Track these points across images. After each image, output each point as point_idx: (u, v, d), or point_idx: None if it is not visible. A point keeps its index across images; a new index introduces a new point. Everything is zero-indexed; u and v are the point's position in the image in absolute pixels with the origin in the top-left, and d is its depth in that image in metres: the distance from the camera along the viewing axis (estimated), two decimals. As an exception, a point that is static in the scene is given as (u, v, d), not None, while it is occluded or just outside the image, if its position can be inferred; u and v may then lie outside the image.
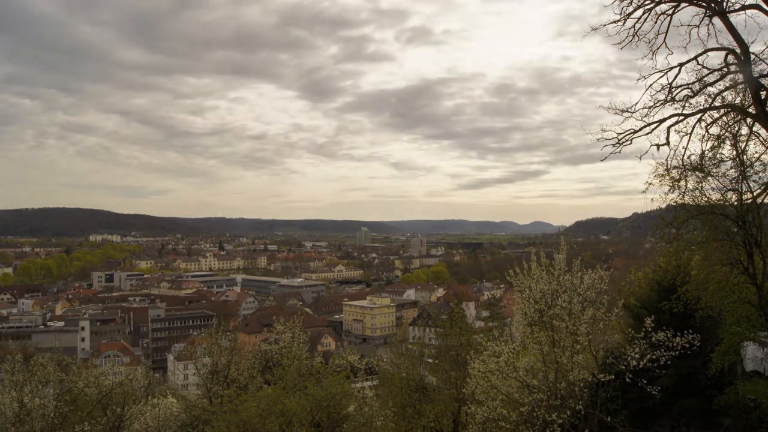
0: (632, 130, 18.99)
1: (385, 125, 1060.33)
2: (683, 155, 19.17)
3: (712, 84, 18.34)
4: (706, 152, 19.20)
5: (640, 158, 19.28)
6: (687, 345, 18.10)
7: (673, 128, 18.99)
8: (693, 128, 18.89)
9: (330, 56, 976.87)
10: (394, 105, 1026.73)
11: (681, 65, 18.44)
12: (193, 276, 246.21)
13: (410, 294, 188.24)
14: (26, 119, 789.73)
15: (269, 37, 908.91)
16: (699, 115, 18.74)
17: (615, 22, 18.38)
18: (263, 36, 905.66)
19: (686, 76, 18.50)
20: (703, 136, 19.15)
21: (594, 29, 18.60)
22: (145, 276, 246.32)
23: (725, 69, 18.09)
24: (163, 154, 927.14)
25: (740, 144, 19.18)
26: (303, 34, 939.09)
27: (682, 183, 19.17)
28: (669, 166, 19.18)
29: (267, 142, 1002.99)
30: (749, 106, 18.16)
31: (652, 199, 18.98)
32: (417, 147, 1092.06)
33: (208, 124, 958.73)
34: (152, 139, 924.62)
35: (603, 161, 20.84)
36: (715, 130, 19.27)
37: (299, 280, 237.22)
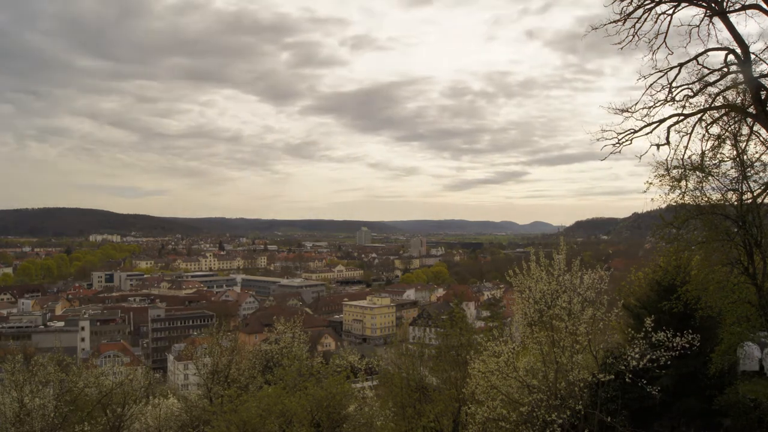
0: (632, 130, 19.02)
1: (352, 127, 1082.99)
2: (683, 155, 19.21)
3: (712, 84, 18.37)
4: (706, 152, 19.24)
5: (640, 158, 19.31)
6: (687, 345, 18.07)
7: (673, 128, 19.04)
8: (693, 128, 18.94)
9: (283, 62, 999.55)
10: (353, 108, 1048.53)
11: (681, 65, 18.46)
12: (193, 276, 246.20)
13: (410, 294, 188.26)
14: (2, 122, 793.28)
15: (216, 43, 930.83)
16: (699, 115, 18.77)
17: (615, 22, 18.41)
18: (209, 42, 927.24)
19: (686, 76, 18.54)
20: (704, 136, 19.20)
21: (594, 29, 18.63)
22: (145, 276, 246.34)
23: (725, 69, 18.11)
24: (143, 156, 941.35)
25: (740, 144, 19.20)
26: (251, 41, 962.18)
27: (683, 183, 19.19)
28: (669, 166, 19.21)
29: (243, 143, 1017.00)
30: (749, 106, 18.17)
31: (652, 199, 19.01)
32: (390, 149, 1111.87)
33: (182, 126, 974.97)
34: (129, 141, 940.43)
35: (603, 161, 20.84)
36: (715, 130, 19.32)
37: (299, 280, 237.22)
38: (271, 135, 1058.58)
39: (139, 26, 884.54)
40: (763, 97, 17.61)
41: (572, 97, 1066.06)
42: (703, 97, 18.59)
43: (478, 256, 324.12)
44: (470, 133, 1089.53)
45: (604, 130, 19.06)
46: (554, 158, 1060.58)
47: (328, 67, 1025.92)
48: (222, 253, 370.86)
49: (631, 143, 19.16)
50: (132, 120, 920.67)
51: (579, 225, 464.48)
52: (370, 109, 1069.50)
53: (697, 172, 19.24)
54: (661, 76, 18.58)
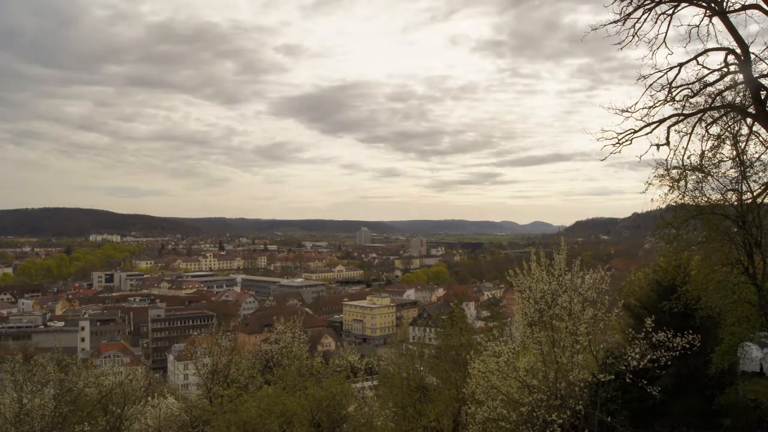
0: (632, 130, 19.00)
1: (313, 130, 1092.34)
2: (683, 155, 19.20)
3: (712, 84, 18.36)
4: (706, 152, 19.23)
5: (640, 158, 19.30)
6: (687, 345, 18.08)
7: (673, 128, 19.02)
8: (693, 128, 18.92)
9: (225, 68, 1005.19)
10: (306, 112, 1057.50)
11: (681, 65, 18.45)
12: (193, 276, 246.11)
13: (410, 294, 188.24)
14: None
15: (152, 51, 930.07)
16: (699, 115, 18.76)
17: (615, 22, 18.38)
18: (146, 51, 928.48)
19: (686, 76, 18.52)
20: (703, 136, 19.19)
21: (594, 29, 18.61)
22: (145, 276, 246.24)
23: (725, 69, 18.09)
24: (120, 157, 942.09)
25: (740, 144, 19.20)
26: (185, 49, 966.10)
27: (682, 183, 19.18)
28: (669, 166, 19.20)
29: (213, 146, 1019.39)
30: (749, 106, 18.16)
31: (652, 199, 19.00)
32: (357, 150, 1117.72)
33: (151, 129, 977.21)
34: (103, 143, 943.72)
35: (603, 160, 20.84)
36: (715, 130, 19.31)
37: (299, 280, 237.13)
38: (237, 137, 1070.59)
39: (74, 36, 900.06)
40: (762, 97, 17.60)
41: (518, 99, 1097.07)
42: (703, 97, 18.59)
43: (478, 256, 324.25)
44: (429, 136, 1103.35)
45: (604, 130, 19.06)
46: (525, 159, 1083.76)
47: (271, 73, 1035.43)
48: (222, 253, 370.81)
49: (631, 143, 19.15)
50: (100, 124, 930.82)
51: (579, 225, 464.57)
52: (324, 113, 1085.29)
53: (697, 172, 19.24)
54: (661, 76, 18.57)
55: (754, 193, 19.12)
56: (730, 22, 17.39)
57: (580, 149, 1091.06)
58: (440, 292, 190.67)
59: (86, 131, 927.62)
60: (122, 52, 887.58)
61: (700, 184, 19.43)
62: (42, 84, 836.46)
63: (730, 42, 17.67)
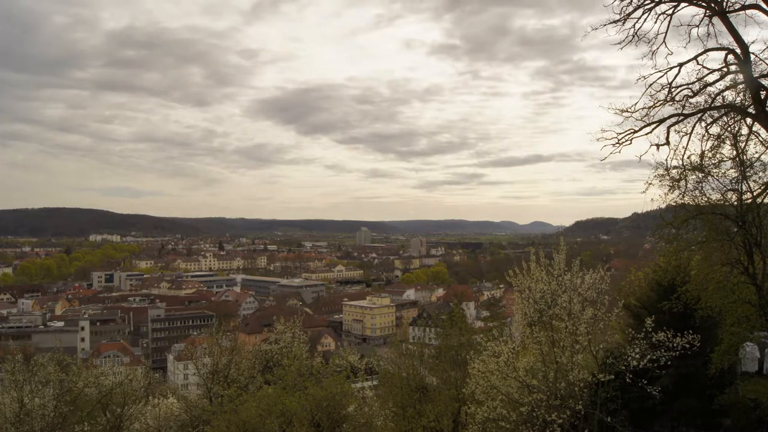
0: (632, 130, 19.02)
1: (289, 131, 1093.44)
2: (683, 155, 19.21)
3: (712, 84, 18.38)
4: (706, 152, 19.23)
5: (640, 158, 19.32)
6: (687, 345, 18.08)
7: (673, 128, 19.03)
8: (693, 128, 18.94)
9: (191, 72, 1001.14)
10: (277, 113, 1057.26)
11: (681, 65, 18.47)
12: (193, 276, 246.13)
13: (410, 294, 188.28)
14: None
15: (115, 56, 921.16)
16: (699, 115, 18.77)
17: (615, 22, 18.41)
18: (109, 55, 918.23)
19: (686, 76, 18.54)
20: (703, 136, 19.20)
21: (594, 29, 18.63)
22: (145, 276, 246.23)
23: (725, 69, 18.11)
24: (105, 158, 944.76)
25: (740, 144, 19.19)
26: (147, 54, 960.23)
27: (682, 183, 19.18)
28: (669, 166, 19.21)
29: (195, 147, 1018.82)
30: (749, 106, 18.17)
31: (652, 199, 19.01)
32: (337, 151, 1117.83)
33: (132, 131, 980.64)
34: (85, 145, 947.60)
35: (603, 161, 20.84)
36: (715, 129, 19.31)
37: (299, 280, 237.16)
38: (217, 139, 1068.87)
39: (38, 42, 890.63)
40: (762, 97, 17.61)
41: (485, 101, 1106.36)
42: (702, 97, 18.61)
43: (477, 256, 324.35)
44: (403, 137, 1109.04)
45: (604, 130, 19.08)
46: (506, 160, 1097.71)
47: (236, 76, 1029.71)
48: (222, 253, 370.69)
49: (631, 143, 19.18)
50: (79, 126, 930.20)
51: (579, 225, 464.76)
52: (295, 115, 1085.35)
53: (697, 172, 19.24)
54: (661, 76, 18.60)
55: (754, 193, 19.11)
56: (730, 22, 17.41)
57: (559, 150, 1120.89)
58: (440, 292, 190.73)
59: (67, 133, 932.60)
60: (86, 57, 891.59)
61: (700, 184, 19.44)
62: (17, 88, 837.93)
63: (730, 42, 17.70)
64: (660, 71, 18.54)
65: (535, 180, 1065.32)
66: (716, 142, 19.19)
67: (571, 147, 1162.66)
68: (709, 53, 18.19)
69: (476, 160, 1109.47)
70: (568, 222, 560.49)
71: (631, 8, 18.20)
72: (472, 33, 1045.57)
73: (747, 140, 19.06)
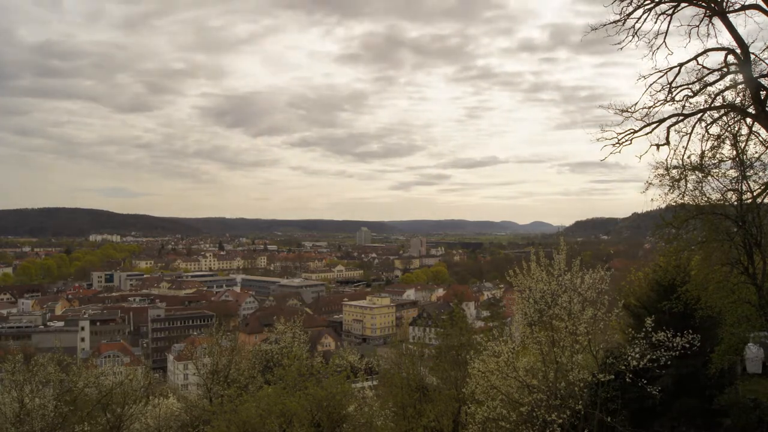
0: (632, 130, 19.02)
1: (241, 135, 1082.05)
2: (683, 155, 19.20)
3: (712, 84, 18.37)
4: (706, 152, 19.22)
5: (640, 158, 19.32)
6: (687, 345, 18.10)
7: (673, 128, 19.03)
8: (693, 128, 18.92)
9: (124, 80, 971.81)
10: (219, 117, 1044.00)
11: (681, 65, 18.47)
12: (193, 276, 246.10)
13: (410, 294, 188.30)
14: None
15: (39, 66, 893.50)
16: (699, 115, 18.76)
17: (615, 22, 18.40)
18: (40, 66, 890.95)
19: (686, 76, 18.54)
20: (703, 135, 19.18)
21: (594, 29, 18.63)
22: (145, 276, 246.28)
23: (725, 69, 18.11)
24: (78, 161, 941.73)
25: (740, 144, 19.19)
26: (78, 63, 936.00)
27: (682, 183, 19.18)
28: (669, 166, 19.21)
29: (158, 149, 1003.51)
30: (749, 106, 18.17)
31: (652, 199, 19.02)
32: (294, 153, 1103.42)
33: (94, 136, 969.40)
34: (51, 147, 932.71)
35: (602, 161, 20.84)
36: (715, 129, 19.29)
37: (299, 280, 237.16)
38: (177, 142, 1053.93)
39: None
40: (762, 97, 17.61)
41: (415, 105, 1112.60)
42: (702, 97, 18.60)
43: (478, 256, 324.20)
44: (351, 140, 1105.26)
45: (604, 130, 19.08)
46: (463, 161, 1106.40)
47: (168, 84, 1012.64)
48: (222, 253, 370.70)
49: (630, 143, 19.18)
50: (36, 130, 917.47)
51: (579, 225, 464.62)
52: (238, 119, 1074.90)
53: (697, 172, 19.24)
54: (661, 76, 18.59)
55: (754, 193, 19.11)
56: (730, 22, 17.41)
57: (514, 153, 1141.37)
58: (440, 292, 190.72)
59: (29, 137, 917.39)
60: (11, 66, 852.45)
61: (700, 184, 19.43)
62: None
63: (730, 42, 17.71)
64: (660, 71, 18.55)
65: (487, 182, 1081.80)
66: (716, 142, 19.19)
67: (522, 149, 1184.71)
68: (709, 53, 18.20)
69: (435, 161, 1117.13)
70: (568, 222, 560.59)
71: (631, 8, 18.21)
72: (370, 42, 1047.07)
73: (747, 140, 19.06)
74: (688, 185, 19.28)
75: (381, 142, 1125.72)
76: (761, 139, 18.85)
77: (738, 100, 18.54)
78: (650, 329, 18.01)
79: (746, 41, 17.37)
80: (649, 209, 19.61)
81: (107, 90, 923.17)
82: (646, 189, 19.00)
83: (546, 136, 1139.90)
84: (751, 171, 19.18)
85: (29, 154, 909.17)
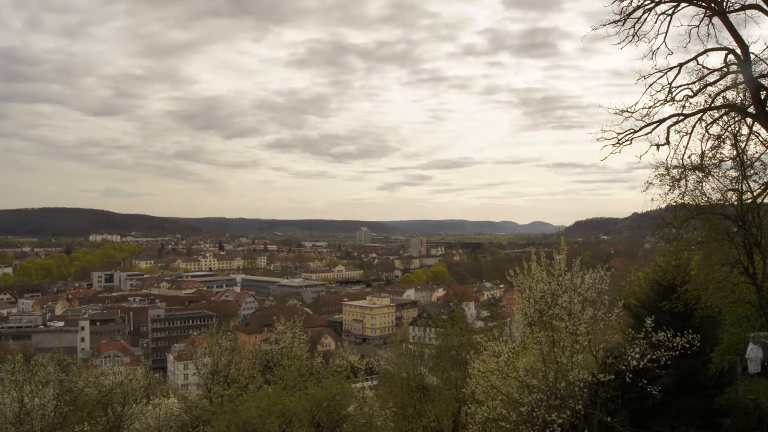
0: (632, 130, 19.00)
1: (215, 136, 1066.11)
2: (683, 155, 19.20)
3: (712, 84, 18.36)
4: (706, 152, 19.22)
5: (640, 158, 19.31)
6: (687, 345, 18.10)
7: (673, 128, 19.02)
8: (693, 128, 18.91)
9: (87, 84, 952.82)
10: (189, 120, 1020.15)
11: (681, 65, 18.45)
12: (193, 276, 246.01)
13: (410, 294, 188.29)
14: None
15: (8, 70, 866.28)
16: (699, 115, 18.76)
17: (615, 22, 18.38)
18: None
19: (686, 76, 18.53)
20: (703, 135, 19.18)
21: (594, 29, 18.62)
22: (145, 276, 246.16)
23: (725, 69, 18.10)
24: (63, 163, 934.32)
25: (740, 144, 19.20)
26: (38, 69, 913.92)
27: (682, 183, 19.19)
28: (669, 166, 19.21)
29: (141, 150, 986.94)
30: (749, 106, 18.17)
31: (652, 199, 19.02)
32: (273, 154, 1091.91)
33: (74, 138, 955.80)
34: (35, 148, 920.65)
35: (603, 161, 20.83)
36: (715, 129, 19.29)
37: (299, 280, 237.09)
38: (157, 143, 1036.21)
39: None
40: (762, 97, 17.61)
41: (378, 107, 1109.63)
42: (703, 97, 18.59)
43: (478, 256, 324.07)
44: (322, 142, 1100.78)
45: (604, 130, 19.07)
46: (442, 162, 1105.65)
47: (136, 86, 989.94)
48: (222, 253, 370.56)
49: (631, 143, 19.16)
50: (16, 132, 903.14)
51: (579, 225, 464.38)
52: (206, 122, 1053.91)
53: (697, 172, 19.25)
54: (661, 76, 18.57)
55: (754, 193, 19.13)
56: (730, 22, 17.40)
57: (488, 155, 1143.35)
58: (440, 292, 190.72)
59: (18, 139, 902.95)
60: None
61: (700, 184, 19.47)
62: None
63: (730, 42, 17.70)
64: (660, 71, 18.54)
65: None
66: (716, 142, 19.19)
67: (494, 151, 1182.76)
68: (709, 53, 18.19)
69: (414, 162, 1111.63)
70: (568, 222, 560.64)
71: (631, 8, 18.19)
72: (316, 48, 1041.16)
73: (747, 140, 19.07)
74: (689, 185, 19.32)
75: (356, 144, 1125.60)
76: (761, 139, 18.87)
77: (738, 100, 18.54)
78: (650, 329, 18.01)
79: (746, 41, 17.38)
80: (649, 209, 19.63)
81: (75, 93, 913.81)
82: (647, 189, 19.02)
83: (515, 137, 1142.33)
84: (752, 171, 19.23)
85: (13, 155, 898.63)
